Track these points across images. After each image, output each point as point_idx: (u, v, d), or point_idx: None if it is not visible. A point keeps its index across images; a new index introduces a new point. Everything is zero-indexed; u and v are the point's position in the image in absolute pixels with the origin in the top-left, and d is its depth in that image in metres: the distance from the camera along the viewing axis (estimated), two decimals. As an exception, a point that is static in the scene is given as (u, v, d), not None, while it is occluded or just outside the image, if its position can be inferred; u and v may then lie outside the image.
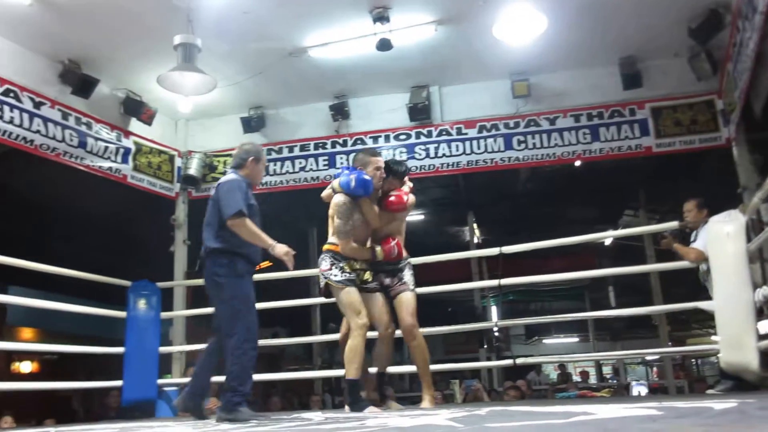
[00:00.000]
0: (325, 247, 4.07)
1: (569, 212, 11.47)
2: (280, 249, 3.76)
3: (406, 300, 4.06)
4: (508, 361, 5.73)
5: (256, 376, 5.34)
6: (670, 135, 6.17)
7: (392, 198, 4.11)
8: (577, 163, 6.96)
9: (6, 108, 5.23)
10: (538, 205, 10.82)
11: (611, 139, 6.27)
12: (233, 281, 3.77)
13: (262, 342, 4.23)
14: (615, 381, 14.89)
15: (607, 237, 11.25)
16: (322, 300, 4.36)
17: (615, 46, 6.01)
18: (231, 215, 3.70)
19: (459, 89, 6.71)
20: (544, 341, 17.98)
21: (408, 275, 4.15)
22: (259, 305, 4.26)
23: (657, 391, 11.71)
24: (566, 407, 3.23)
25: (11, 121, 5.27)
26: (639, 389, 9.39)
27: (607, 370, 17.33)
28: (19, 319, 10.66)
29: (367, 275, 4.07)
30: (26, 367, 11.99)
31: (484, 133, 6.52)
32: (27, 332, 11.29)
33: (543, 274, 6.90)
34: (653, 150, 6.24)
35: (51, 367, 12.07)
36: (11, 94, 5.29)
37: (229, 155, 7.02)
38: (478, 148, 6.53)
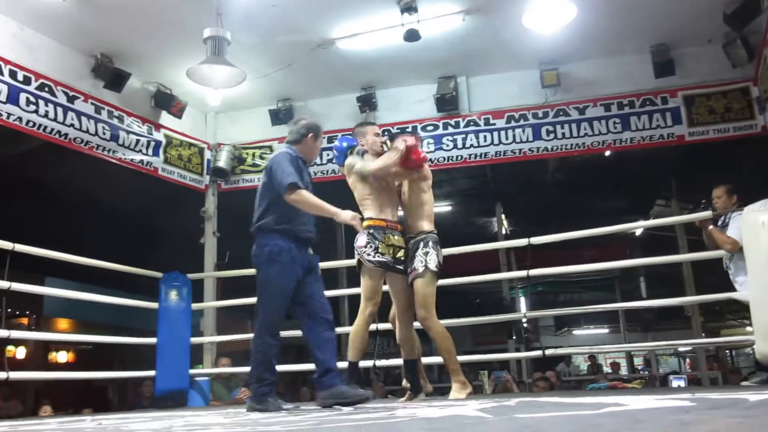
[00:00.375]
0: (364, 224, 4.02)
1: (599, 203, 11.33)
2: (346, 214, 3.62)
3: (416, 290, 4.03)
4: (538, 352, 5.69)
5: (284, 367, 5.46)
6: (704, 123, 6.06)
7: (411, 156, 4.05)
8: (608, 152, 6.88)
9: (41, 102, 5.34)
10: (568, 195, 10.71)
11: (642, 128, 6.18)
12: (265, 264, 3.63)
13: (288, 333, 4.27)
14: (647, 372, 14.72)
15: (638, 227, 11.09)
16: (350, 291, 4.41)
17: (646, 33, 5.91)
18: (286, 188, 3.55)
19: (487, 79, 6.66)
20: (574, 332, 17.85)
21: (421, 254, 4.03)
22: None
23: (690, 383, 11.55)
24: (597, 398, 3.21)
25: (46, 115, 5.38)
26: (679, 383, 9.25)
27: (638, 362, 17.14)
28: (56, 310, 10.90)
29: (401, 254, 4.07)
30: (63, 357, 12.28)
31: (513, 124, 6.47)
32: (63, 323, 11.55)
33: (573, 265, 6.84)
34: (686, 139, 6.14)
35: (86, 357, 12.34)
36: (46, 89, 5.40)
37: (258, 147, 7.13)
38: (506, 138, 6.49)
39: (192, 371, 6.14)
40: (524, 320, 7.26)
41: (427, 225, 4.16)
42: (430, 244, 4.08)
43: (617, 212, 11.07)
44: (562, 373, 11.43)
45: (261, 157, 7.10)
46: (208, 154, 7.15)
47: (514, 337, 9.86)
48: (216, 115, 7.30)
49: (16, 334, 6.42)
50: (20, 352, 10.95)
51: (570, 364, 13.74)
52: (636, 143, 6.22)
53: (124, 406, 9.48)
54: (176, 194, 7.39)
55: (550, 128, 6.37)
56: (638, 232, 12.33)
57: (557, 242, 5.58)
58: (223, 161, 7.02)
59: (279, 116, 6.90)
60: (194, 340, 6.25)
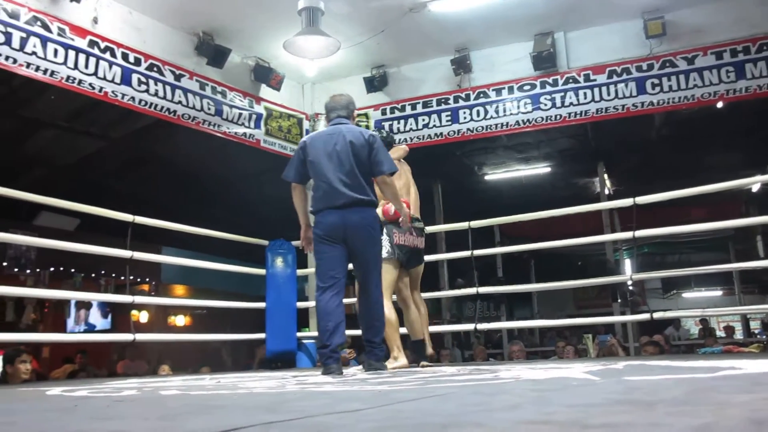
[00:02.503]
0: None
1: (710, 158, 10.68)
2: (407, 211, 4.17)
3: None
4: (645, 316, 5.51)
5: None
6: (830, 66, 5.56)
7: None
8: (720, 104, 6.45)
9: (151, 82, 5.64)
10: (675, 151, 10.16)
11: (759, 75, 5.75)
12: (378, 234, 3.94)
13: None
14: (765, 336, 13.91)
15: (755, 183, 10.41)
16: (449, 255, 4.48)
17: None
18: (389, 173, 3.87)
19: (586, 33, 6.40)
20: (684, 295, 17.08)
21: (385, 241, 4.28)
22: None
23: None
24: (711, 362, 3.10)
25: (156, 94, 5.68)
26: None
27: (754, 326, 16.21)
28: (172, 277, 11.61)
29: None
30: (180, 320, 13.11)
31: (615, 78, 6.20)
32: (179, 289, 12.30)
33: (682, 225, 6.53)
34: (809, 85, 5.66)
35: (201, 321, 13.11)
36: (155, 69, 5.69)
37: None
38: (608, 94, 6.23)
39: (299, 334, 6.39)
40: (630, 283, 7.02)
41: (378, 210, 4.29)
42: (384, 232, 4.29)
43: (730, 168, 10.38)
44: (671, 337, 11.01)
45: (357, 125, 7.18)
46: (306, 125, 7.32)
47: (619, 300, 9.58)
48: (312, 86, 7.43)
49: (139, 299, 6.94)
50: (143, 317, 11.79)
51: (679, 328, 13.18)
52: (752, 92, 5.80)
53: (237, 366, 10.03)
54: (278, 165, 7.62)
55: (656, 81, 6.05)
56: (755, 188, 11.55)
57: (665, 201, 5.34)
58: (320, 131, 7.16)
59: (373, 83, 6.94)
60: (300, 304, 6.49)
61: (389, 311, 4.22)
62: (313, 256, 3.97)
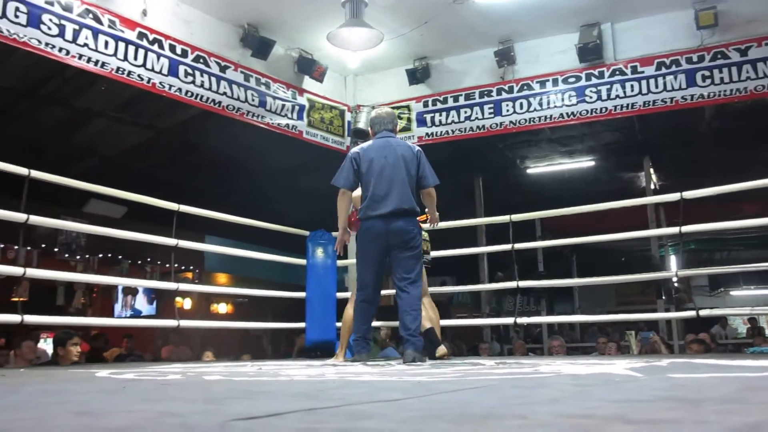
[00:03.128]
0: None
1: (763, 152, 10.36)
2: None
3: None
4: (691, 313, 5.38)
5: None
6: None
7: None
8: (774, 97, 6.24)
9: (197, 73, 5.74)
10: (726, 145, 9.87)
11: (816, 67, 5.55)
12: (420, 241, 4.19)
13: (431, 289, 4.48)
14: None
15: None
16: (489, 248, 4.49)
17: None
18: (435, 185, 4.21)
19: (634, 24, 6.27)
20: (731, 293, 16.62)
21: None
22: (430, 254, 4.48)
23: None
24: (759, 361, 3.02)
25: (202, 85, 5.78)
26: None
27: (806, 326, 15.70)
28: (215, 265, 11.83)
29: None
30: (223, 308, 13.35)
31: (663, 70, 6.05)
32: (222, 277, 12.52)
33: (732, 221, 6.35)
34: None
35: (243, 309, 13.32)
36: (201, 60, 5.79)
37: (396, 107, 7.20)
38: (656, 86, 6.09)
39: (338, 324, 6.43)
40: (675, 279, 6.87)
41: None
42: None
43: (784, 163, 10.06)
44: (718, 336, 10.74)
45: (399, 117, 7.19)
46: (348, 116, 7.35)
47: (663, 297, 9.37)
48: (355, 78, 7.46)
49: (183, 286, 7.08)
50: (187, 303, 12.04)
51: (726, 327, 12.86)
52: (809, 85, 5.60)
53: (277, 354, 10.18)
54: (320, 156, 7.69)
55: (706, 73, 5.89)
56: (809, 184, 11.16)
57: (714, 197, 5.19)
58: (363, 122, 7.18)
59: (416, 75, 6.93)
60: (340, 294, 6.54)
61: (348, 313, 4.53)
62: (356, 257, 4.28)
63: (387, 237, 4.03)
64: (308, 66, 6.71)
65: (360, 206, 4.23)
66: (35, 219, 4.37)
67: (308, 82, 6.87)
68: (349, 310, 4.59)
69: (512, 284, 6.09)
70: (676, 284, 9.30)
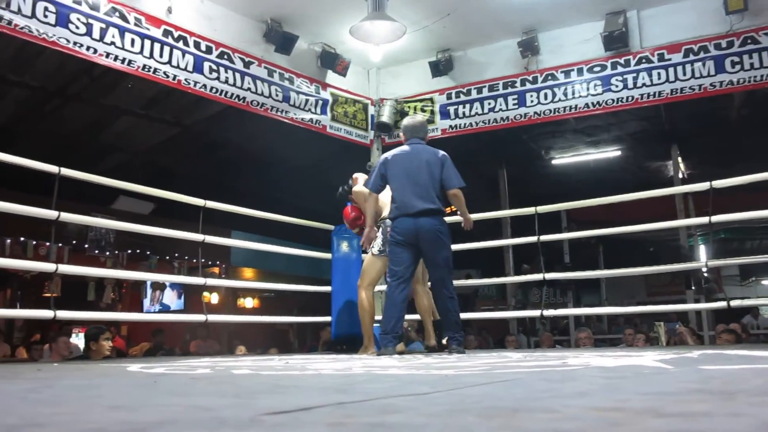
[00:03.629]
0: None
1: (795, 140, 10.14)
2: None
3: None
4: (721, 304, 5.30)
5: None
6: None
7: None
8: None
9: (222, 69, 5.79)
10: (756, 133, 9.68)
11: None
12: (448, 239, 4.47)
13: (456, 282, 4.55)
14: None
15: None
16: (515, 240, 4.52)
17: None
18: (460, 187, 4.47)
19: (661, 11, 6.16)
20: (763, 282, 16.34)
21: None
22: (454, 247, 4.50)
23: None
24: (793, 353, 2.97)
25: (226, 81, 5.82)
26: None
27: (842, 316, 15.37)
28: (241, 260, 11.93)
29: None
30: (249, 303, 13.47)
31: (691, 57, 5.95)
32: (248, 272, 12.63)
33: (762, 210, 6.24)
34: None
35: (269, 303, 13.44)
36: (225, 56, 5.83)
37: (419, 100, 7.20)
38: (684, 74, 5.99)
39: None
40: (705, 269, 6.77)
41: (385, 212, 4.78)
42: (380, 231, 4.76)
43: (817, 150, 9.82)
44: (749, 326, 10.57)
45: (422, 110, 7.18)
46: (371, 110, 7.35)
47: (693, 288, 9.24)
48: (378, 71, 7.45)
49: (210, 281, 7.16)
50: (214, 298, 12.18)
51: (758, 317, 12.64)
52: (843, 70, 5.46)
53: (304, 348, 10.25)
54: (343, 150, 7.71)
55: (736, 59, 5.77)
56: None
57: (743, 185, 5.10)
58: (386, 116, 7.18)
59: (439, 68, 6.90)
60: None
61: (367, 301, 4.77)
62: (388, 255, 4.56)
63: (417, 235, 4.35)
64: (331, 60, 6.72)
65: (389, 207, 4.60)
66: (66, 216, 4.45)
67: (331, 77, 6.88)
68: (364, 299, 4.79)
69: (538, 277, 6.06)
70: (705, 274, 9.16)
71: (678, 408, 1.21)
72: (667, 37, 6.09)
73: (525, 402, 1.37)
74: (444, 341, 4.70)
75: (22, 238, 9.05)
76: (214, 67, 5.72)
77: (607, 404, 1.29)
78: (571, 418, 1.12)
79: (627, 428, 0.99)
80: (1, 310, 9.62)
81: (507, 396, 1.55)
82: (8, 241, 9.05)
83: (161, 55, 5.33)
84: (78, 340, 8.22)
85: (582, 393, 1.53)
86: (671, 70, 6.01)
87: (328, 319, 6.36)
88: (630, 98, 6.23)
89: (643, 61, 6.14)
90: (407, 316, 4.78)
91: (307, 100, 6.61)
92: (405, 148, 4.62)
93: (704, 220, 5.37)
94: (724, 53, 5.82)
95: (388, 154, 4.62)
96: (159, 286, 11.99)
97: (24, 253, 9.06)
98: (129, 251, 10.43)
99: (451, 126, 7.03)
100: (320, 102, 6.77)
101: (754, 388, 1.56)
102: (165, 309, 12.03)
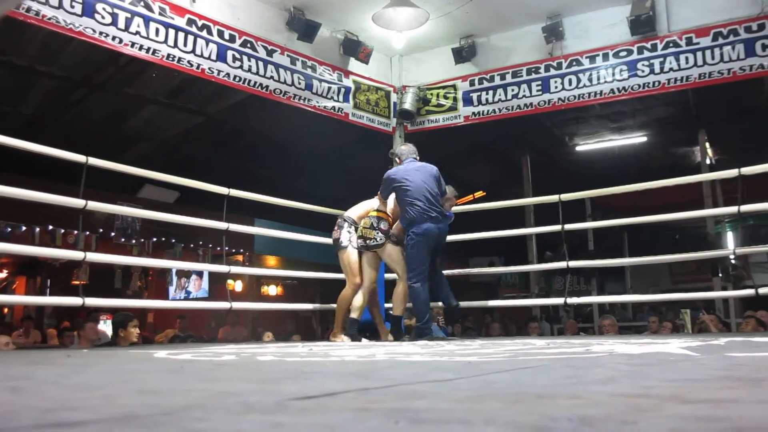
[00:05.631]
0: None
1: (826, 124, 9.91)
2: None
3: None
4: (749, 291, 5.22)
5: (476, 303, 6.30)
6: None
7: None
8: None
9: (245, 58, 5.81)
10: (787, 118, 9.49)
11: None
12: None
13: (478, 270, 4.53)
14: None
15: None
16: (539, 229, 4.47)
17: None
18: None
19: (689, -7, 6.04)
20: (794, 269, 16.06)
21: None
22: (477, 235, 4.49)
23: None
24: (823, 341, 2.92)
25: (249, 70, 5.84)
26: None
27: None
28: (264, 248, 11.99)
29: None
30: (272, 290, 13.57)
31: (720, 41, 5.82)
32: (271, 260, 12.71)
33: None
34: None
35: (292, 290, 13.52)
36: (248, 45, 5.85)
37: (442, 87, 7.16)
38: (713, 58, 5.86)
39: (387, 305, 6.47)
40: (732, 257, 6.66)
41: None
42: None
43: None
44: (778, 314, 10.38)
45: (445, 97, 7.13)
46: (394, 97, 7.32)
47: (720, 275, 9.11)
48: (400, 58, 7.41)
49: (235, 269, 7.23)
50: (238, 286, 12.29)
51: (788, 305, 12.42)
52: None
53: (326, 335, 10.31)
54: (366, 137, 7.70)
55: (767, 42, 5.64)
56: None
57: (775, 172, 4.99)
58: (408, 103, 7.15)
59: (462, 54, 6.85)
60: (387, 276, 6.56)
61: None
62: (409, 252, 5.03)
63: (438, 236, 5.01)
64: (354, 48, 6.70)
65: (404, 214, 5.07)
66: (93, 204, 4.52)
67: (354, 64, 6.86)
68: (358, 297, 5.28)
69: (562, 264, 6.01)
70: (733, 261, 9.02)
71: (704, 395, 1.20)
72: (695, 21, 5.97)
73: (549, 388, 1.37)
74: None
75: (50, 227, 9.20)
76: (238, 55, 5.74)
77: (633, 391, 1.28)
78: (595, 404, 1.11)
79: (652, 414, 0.99)
80: (32, 297, 9.81)
81: (531, 383, 1.55)
82: (37, 229, 9.21)
83: (185, 44, 5.36)
84: (106, 326, 8.37)
85: (607, 380, 1.52)
86: (699, 54, 5.90)
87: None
88: (657, 83, 6.13)
89: (671, 45, 6.03)
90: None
91: (329, 88, 6.61)
92: (412, 164, 5.22)
93: (733, 209, 5.28)
94: (755, 36, 5.68)
95: (397, 171, 5.23)
96: (184, 274, 12.13)
97: (52, 242, 9.22)
98: (154, 239, 10.56)
99: (474, 113, 6.98)
100: (342, 90, 6.76)
101: (782, 376, 1.54)
102: (189, 296, 12.17)
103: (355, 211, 5.44)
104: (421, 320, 4.95)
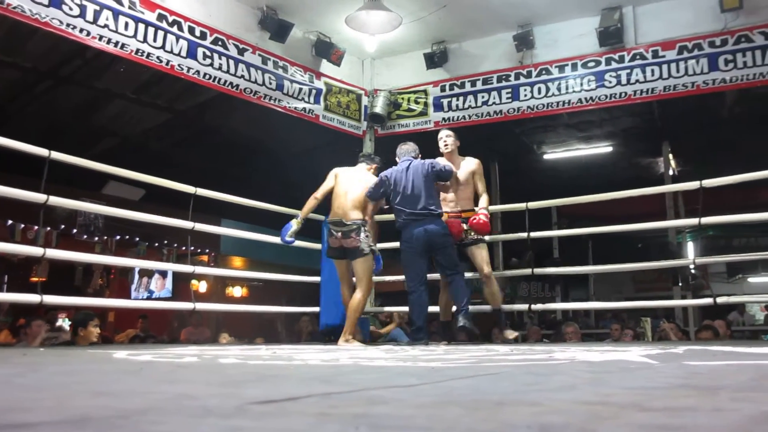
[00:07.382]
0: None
1: (785, 139, 10.19)
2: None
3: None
4: (707, 300, 5.34)
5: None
6: None
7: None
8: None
9: (216, 55, 5.74)
10: (747, 131, 9.73)
11: (844, 52, 5.42)
12: (449, 238, 5.03)
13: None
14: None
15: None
16: (504, 237, 4.53)
17: None
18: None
19: (656, 7, 6.17)
20: (749, 279, 16.46)
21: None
22: None
23: None
24: (777, 351, 2.99)
25: (220, 68, 5.78)
26: None
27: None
28: (230, 248, 11.86)
29: None
30: (237, 291, 13.43)
31: (685, 55, 5.96)
32: (237, 261, 12.59)
33: (751, 209, 6.27)
34: None
35: (258, 292, 13.40)
36: (219, 43, 5.79)
37: (413, 92, 7.18)
38: (677, 71, 5.99)
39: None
40: (693, 266, 6.80)
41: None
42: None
43: (807, 150, 9.87)
44: (735, 323, 10.65)
45: (416, 102, 7.16)
46: (365, 101, 7.32)
47: (680, 284, 9.31)
48: (372, 61, 7.41)
49: (199, 269, 7.14)
50: (202, 286, 12.14)
51: (744, 314, 12.75)
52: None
53: (291, 338, 10.25)
54: (336, 140, 7.67)
55: (729, 57, 5.79)
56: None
57: (734, 184, 5.12)
58: (379, 107, 7.15)
59: (434, 59, 6.88)
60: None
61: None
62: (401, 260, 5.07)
63: (427, 238, 4.93)
64: (326, 49, 6.68)
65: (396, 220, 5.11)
66: (55, 200, 4.41)
67: (326, 66, 6.84)
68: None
69: (527, 271, 6.07)
70: (693, 271, 9.23)
71: (662, 403, 1.21)
72: (661, 34, 6.09)
73: (510, 395, 1.38)
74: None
75: (9, 221, 8.97)
76: (208, 53, 5.67)
77: (593, 398, 1.29)
78: (556, 411, 1.12)
79: (612, 422, 1.00)
80: (-12, 293, 9.55)
81: (492, 389, 1.55)
82: (-4, 224, 8.97)
83: (155, 40, 5.28)
84: (65, 324, 8.19)
85: (568, 387, 1.54)
86: (665, 66, 6.02)
87: (317, 309, 6.35)
88: (623, 94, 6.24)
89: (637, 57, 6.14)
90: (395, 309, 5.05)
91: (300, 89, 6.58)
92: (400, 166, 5.16)
93: (694, 221, 5.39)
94: (718, 51, 5.83)
95: (388, 173, 5.15)
96: (147, 273, 11.94)
97: (11, 237, 8.99)
98: (118, 237, 10.36)
99: (444, 118, 7.02)
100: (314, 91, 6.74)
101: (737, 383, 1.58)
102: (152, 296, 11.98)
103: (355, 212, 5.14)
104: (414, 326, 4.99)
